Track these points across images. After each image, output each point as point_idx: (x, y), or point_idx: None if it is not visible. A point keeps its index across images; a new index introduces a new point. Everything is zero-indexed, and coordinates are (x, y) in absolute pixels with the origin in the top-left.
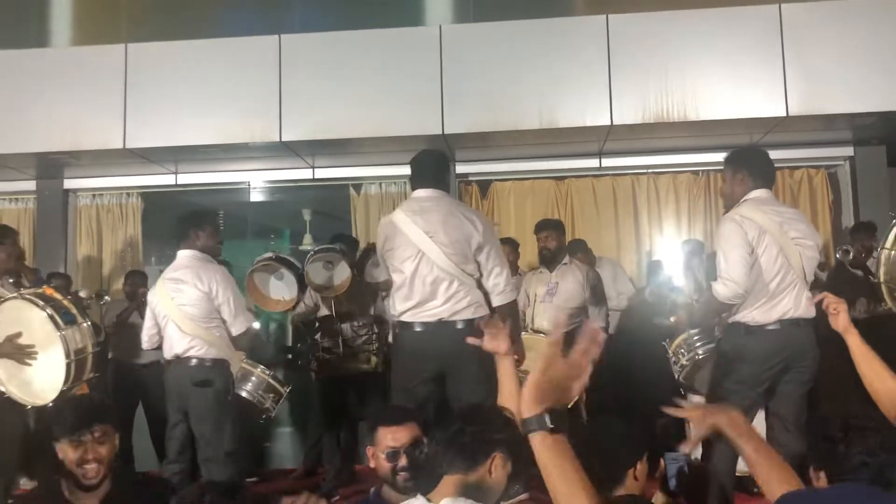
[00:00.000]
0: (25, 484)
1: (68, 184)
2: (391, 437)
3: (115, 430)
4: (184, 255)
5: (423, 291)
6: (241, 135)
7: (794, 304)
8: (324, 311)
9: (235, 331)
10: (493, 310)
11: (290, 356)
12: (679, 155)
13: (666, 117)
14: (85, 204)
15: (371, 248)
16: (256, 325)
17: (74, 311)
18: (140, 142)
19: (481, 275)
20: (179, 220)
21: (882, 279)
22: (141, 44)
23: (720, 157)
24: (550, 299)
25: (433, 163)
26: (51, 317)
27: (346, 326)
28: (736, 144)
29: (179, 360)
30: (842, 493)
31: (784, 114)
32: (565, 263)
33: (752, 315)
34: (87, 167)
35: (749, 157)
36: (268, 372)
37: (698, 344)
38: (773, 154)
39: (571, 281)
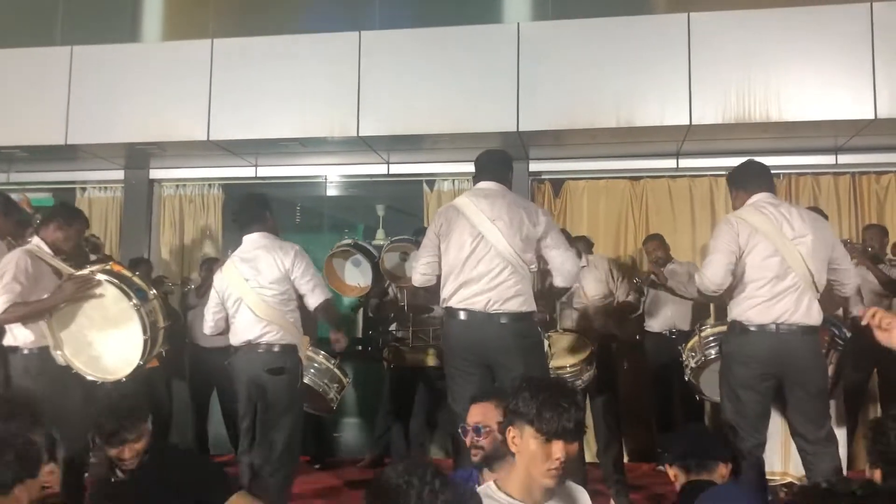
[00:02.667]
0: None
1: (154, 174)
2: (474, 413)
3: (145, 423)
4: (258, 236)
5: (474, 273)
6: (320, 129)
7: (793, 307)
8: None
9: (314, 302)
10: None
11: (359, 347)
12: (760, 157)
13: (747, 118)
14: (169, 194)
15: None
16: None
17: (144, 286)
18: (223, 134)
19: (547, 261)
20: (253, 202)
21: None
22: (226, 39)
23: (804, 159)
24: (570, 302)
25: (497, 159)
26: (125, 293)
27: (418, 318)
28: (820, 147)
29: (250, 347)
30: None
31: (872, 116)
32: (584, 266)
33: (748, 315)
34: (172, 158)
35: (738, 175)
36: (332, 360)
37: (711, 345)
38: (860, 158)
39: (591, 280)
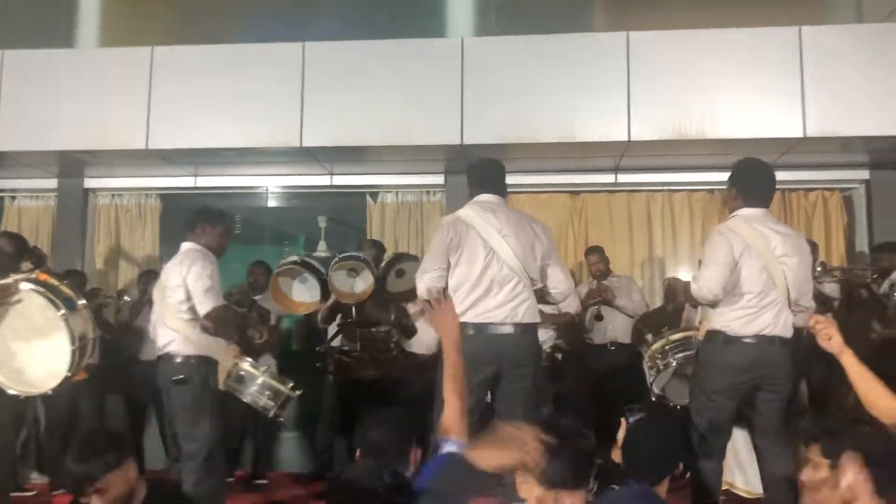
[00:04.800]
0: (36, 479)
1: (88, 183)
2: None
3: (125, 462)
4: (183, 247)
5: (487, 289)
6: (262, 139)
7: (773, 321)
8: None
9: (202, 310)
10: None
11: (291, 359)
12: (695, 173)
13: (684, 135)
14: (104, 203)
15: (398, 258)
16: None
17: (72, 295)
18: (162, 143)
19: (546, 282)
20: (194, 213)
21: None
22: (167, 47)
23: None
24: None
25: (496, 170)
26: (52, 302)
27: (366, 332)
28: None
29: (162, 358)
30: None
31: (801, 135)
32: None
33: (732, 326)
34: (107, 167)
35: (743, 176)
36: (268, 372)
37: (674, 352)
38: (790, 175)
39: None
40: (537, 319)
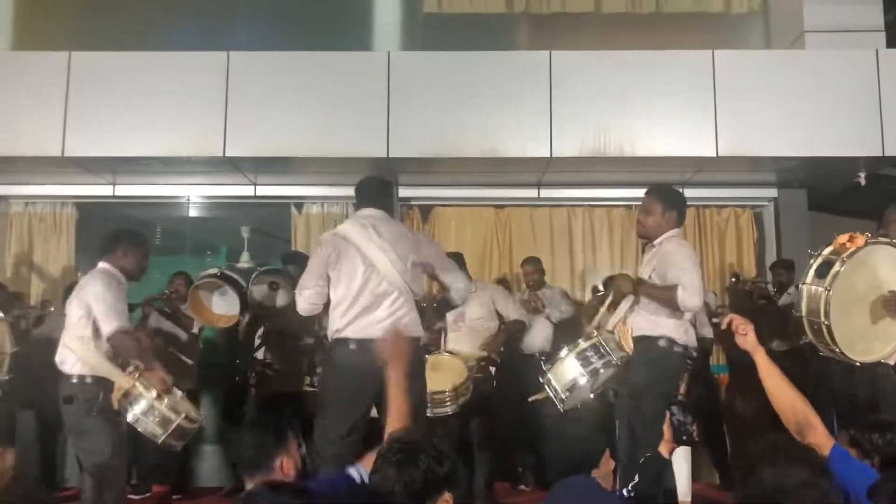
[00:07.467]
0: None
1: (1, 190)
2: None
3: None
4: (97, 267)
5: (367, 304)
6: (184, 149)
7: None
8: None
9: (105, 330)
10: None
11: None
12: (614, 189)
13: (603, 152)
14: (17, 211)
15: None
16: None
17: None
18: (79, 150)
19: (442, 284)
20: (113, 232)
21: (804, 313)
22: (85, 52)
23: None
24: (458, 326)
25: (378, 186)
26: None
27: (289, 345)
28: (669, 182)
29: (59, 376)
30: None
31: (714, 154)
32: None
33: (675, 333)
34: (21, 174)
35: (679, 199)
36: (157, 397)
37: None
38: (703, 192)
39: (474, 304)
40: (419, 334)
